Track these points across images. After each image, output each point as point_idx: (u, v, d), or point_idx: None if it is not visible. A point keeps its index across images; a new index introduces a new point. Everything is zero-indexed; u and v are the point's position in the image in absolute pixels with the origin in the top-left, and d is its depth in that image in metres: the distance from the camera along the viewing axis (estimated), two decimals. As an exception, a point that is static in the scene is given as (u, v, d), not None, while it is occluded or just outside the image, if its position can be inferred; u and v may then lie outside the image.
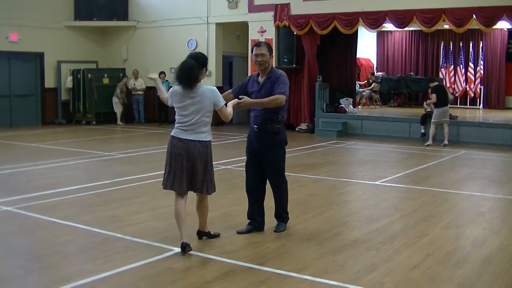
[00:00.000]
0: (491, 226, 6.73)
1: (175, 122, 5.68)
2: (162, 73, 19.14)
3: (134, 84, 19.66)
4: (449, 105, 14.40)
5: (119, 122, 19.40)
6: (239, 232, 6.22)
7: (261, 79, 6.13)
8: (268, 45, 6.22)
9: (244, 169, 6.42)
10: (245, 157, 6.41)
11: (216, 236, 6.04)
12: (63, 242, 5.96)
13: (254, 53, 6.10)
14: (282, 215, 6.40)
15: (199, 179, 5.62)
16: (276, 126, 6.09)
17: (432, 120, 14.31)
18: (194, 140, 5.55)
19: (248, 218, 6.37)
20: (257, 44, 6.17)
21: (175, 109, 5.67)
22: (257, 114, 6.13)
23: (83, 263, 5.28)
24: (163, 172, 5.69)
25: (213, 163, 5.77)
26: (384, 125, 16.12)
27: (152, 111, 20.04)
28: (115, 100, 19.30)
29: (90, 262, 5.29)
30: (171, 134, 5.65)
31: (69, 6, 19.81)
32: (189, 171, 5.58)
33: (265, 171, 6.23)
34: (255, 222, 6.33)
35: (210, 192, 5.75)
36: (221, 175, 9.40)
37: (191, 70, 5.47)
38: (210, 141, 5.68)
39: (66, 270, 5.10)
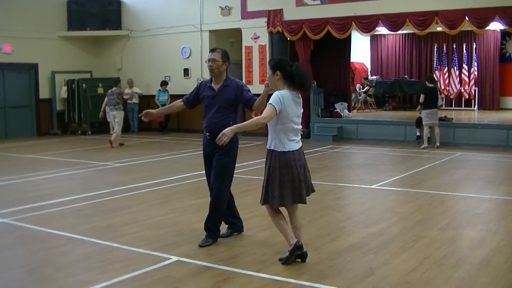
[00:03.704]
0: (488, 227, 6.73)
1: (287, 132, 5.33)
2: (165, 83, 19.08)
3: (136, 94, 19.60)
4: (437, 108, 14.41)
5: (111, 132, 19.18)
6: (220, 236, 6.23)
7: (215, 86, 6.10)
8: (223, 52, 6.12)
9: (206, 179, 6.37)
10: (237, 164, 6.35)
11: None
12: (59, 253, 5.93)
13: (207, 58, 6.10)
14: (212, 228, 6.11)
15: None
16: None
17: (423, 122, 14.34)
18: None
19: (226, 223, 6.40)
20: (212, 49, 6.16)
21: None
22: (209, 121, 6.08)
23: (80, 274, 5.26)
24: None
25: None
26: (379, 128, 16.14)
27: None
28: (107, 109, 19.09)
29: (86, 272, 5.26)
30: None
31: (62, 16, 19.81)
32: None
33: (212, 174, 6.09)
34: (233, 225, 6.41)
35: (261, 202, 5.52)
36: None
37: None
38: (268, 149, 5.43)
39: (63, 282, 5.07)
